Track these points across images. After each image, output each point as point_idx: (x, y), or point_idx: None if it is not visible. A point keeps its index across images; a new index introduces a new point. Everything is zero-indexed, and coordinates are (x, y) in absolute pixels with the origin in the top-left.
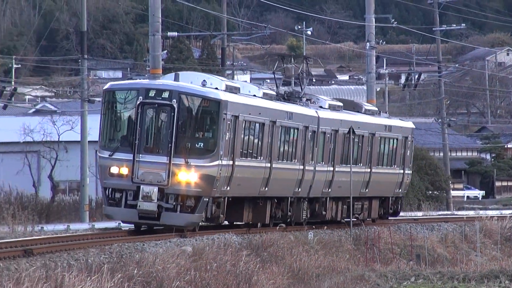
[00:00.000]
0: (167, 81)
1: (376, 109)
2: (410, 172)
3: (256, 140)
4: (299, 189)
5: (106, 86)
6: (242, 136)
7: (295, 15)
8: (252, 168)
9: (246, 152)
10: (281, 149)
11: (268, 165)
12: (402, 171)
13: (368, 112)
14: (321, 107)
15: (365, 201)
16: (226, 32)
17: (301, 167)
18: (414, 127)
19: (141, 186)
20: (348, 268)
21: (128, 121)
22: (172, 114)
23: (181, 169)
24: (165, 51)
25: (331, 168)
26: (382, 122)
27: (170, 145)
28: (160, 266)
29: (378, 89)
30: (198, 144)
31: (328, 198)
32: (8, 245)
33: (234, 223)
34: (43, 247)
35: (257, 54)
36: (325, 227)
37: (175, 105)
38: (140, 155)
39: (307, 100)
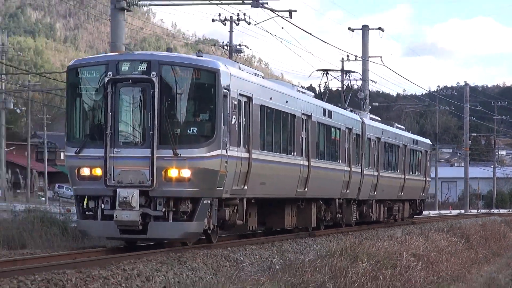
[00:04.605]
0: (146, 52)
1: (403, 127)
2: (429, 179)
3: (285, 133)
4: (347, 191)
5: (70, 63)
6: (260, 124)
7: None
8: (282, 165)
9: (270, 145)
10: (321, 148)
11: (306, 162)
12: (424, 178)
13: (398, 128)
14: (361, 118)
15: (400, 203)
16: None
17: (348, 168)
18: (431, 143)
19: (118, 190)
20: None
21: (98, 106)
22: (152, 91)
23: (170, 163)
24: None
25: (376, 173)
26: (411, 136)
27: (151, 132)
28: (467, 228)
29: None
30: (190, 130)
31: (374, 201)
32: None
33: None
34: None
35: None
36: None
37: (155, 79)
38: (115, 149)
39: (351, 110)
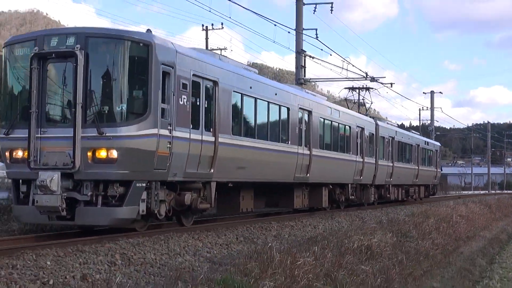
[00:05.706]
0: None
1: (418, 133)
2: (440, 170)
3: (274, 122)
4: (361, 177)
5: (7, 39)
6: (233, 110)
7: None
8: (270, 151)
9: (253, 131)
10: (326, 140)
11: (306, 152)
12: (436, 169)
13: (413, 132)
14: (375, 121)
15: (416, 187)
16: None
17: (360, 159)
18: (440, 145)
19: (39, 173)
20: None
21: (27, 84)
22: (75, 65)
23: (95, 143)
24: None
25: (391, 164)
26: (422, 138)
27: (73, 110)
28: (489, 201)
29: None
30: (119, 107)
31: (390, 185)
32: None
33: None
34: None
35: None
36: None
37: (79, 53)
38: (42, 129)
39: (371, 117)
